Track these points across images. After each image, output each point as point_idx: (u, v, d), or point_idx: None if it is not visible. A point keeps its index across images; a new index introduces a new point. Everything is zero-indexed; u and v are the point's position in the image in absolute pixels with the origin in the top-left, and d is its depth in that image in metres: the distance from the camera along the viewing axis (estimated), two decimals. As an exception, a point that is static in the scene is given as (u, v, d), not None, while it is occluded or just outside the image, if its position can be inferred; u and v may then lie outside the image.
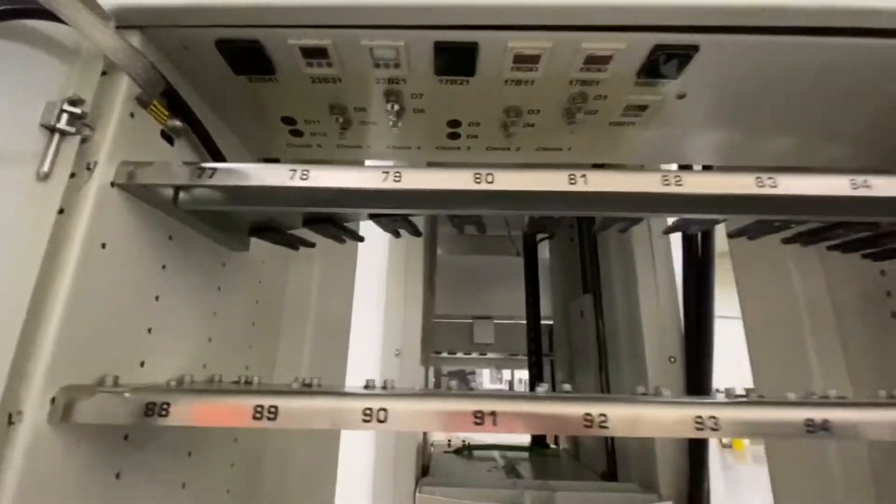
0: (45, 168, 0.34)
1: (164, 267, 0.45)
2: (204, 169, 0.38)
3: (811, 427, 0.35)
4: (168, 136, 0.45)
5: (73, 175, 0.35)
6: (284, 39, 0.42)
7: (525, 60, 0.43)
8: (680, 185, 0.38)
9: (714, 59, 0.43)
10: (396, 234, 0.55)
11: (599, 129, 0.55)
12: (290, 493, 0.69)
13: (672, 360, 0.94)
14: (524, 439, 1.73)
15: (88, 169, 0.36)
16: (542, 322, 1.72)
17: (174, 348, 0.46)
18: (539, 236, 1.77)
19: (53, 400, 0.32)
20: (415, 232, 0.53)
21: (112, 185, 0.38)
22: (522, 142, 0.59)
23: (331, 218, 0.50)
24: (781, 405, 0.36)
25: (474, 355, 2.18)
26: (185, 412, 0.34)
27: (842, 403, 0.36)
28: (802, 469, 0.73)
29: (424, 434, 1.16)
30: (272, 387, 0.39)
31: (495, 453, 1.51)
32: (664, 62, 0.43)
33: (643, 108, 0.50)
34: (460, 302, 2.19)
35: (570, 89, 0.48)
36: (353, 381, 0.99)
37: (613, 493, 0.88)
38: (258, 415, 0.32)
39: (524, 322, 1.61)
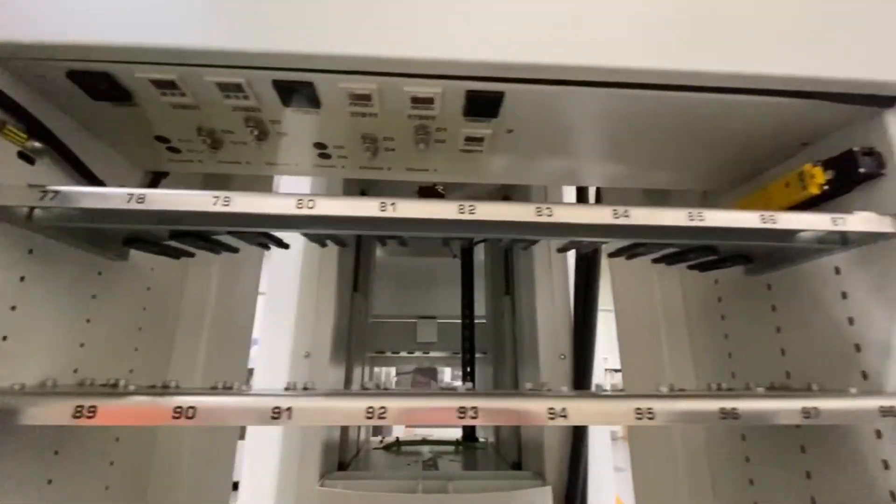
0: None
1: (22, 279, 0.48)
2: (46, 192, 0.42)
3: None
4: (28, 157, 0.48)
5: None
6: (132, 73, 0.46)
7: (359, 97, 0.49)
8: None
9: (522, 103, 0.50)
10: (265, 247, 0.60)
11: (453, 154, 0.61)
12: (182, 490, 0.72)
13: (562, 356, 1.03)
14: (458, 433, 1.80)
15: (-72, 190, 0.40)
16: (478, 321, 1.80)
17: (34, 355, 0.49)
18: (475, 239, 1.84)
19: None
20: (281, 245, 0.58)
21: (-43, 205, 0.41)
22: (392, 163, 0.65)
23: (195, 233, 0.54)
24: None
25: (418, 354, 2.23)
26: (36, 413, 0.38)
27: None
28: (655, 453, 0.82)
29: (346, 430, 1.20)
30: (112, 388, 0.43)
31: (425, 448, 1.58)
32: (481, 104, 0.50)
33: (480, 139, 0.57)
34: (404, 302, 2.24)
35: (411, 122, 0.54)
36: (262, 383, 1.03)
37: (502, 480, 0.96)
38: (78, 413, 0.37)
39: (465, 322, 1.68)
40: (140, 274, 0.68)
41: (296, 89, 0.48)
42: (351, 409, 0.39)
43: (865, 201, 0.52)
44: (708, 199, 0.79)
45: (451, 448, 1.56)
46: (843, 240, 0.52)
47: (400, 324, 2.21)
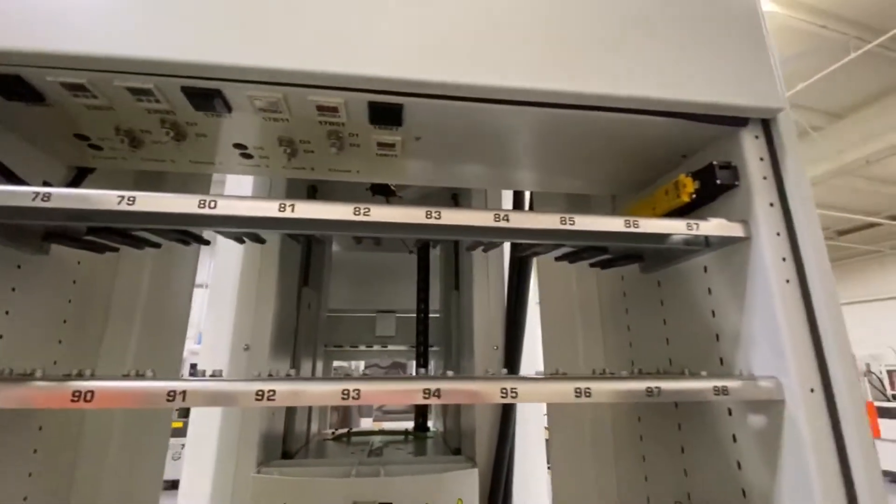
0: None
1: (-70, 272, 0.50)
2: (-50, 189, 0.44)
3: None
4: (-64, 153, 0.50)
5: None
6: (43, 76, 0.48)
7: (268, 106, 0.53)
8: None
9: (423, 114, 0.55)
10: (185, 244, 0.63)
11: (370, 157, 0.66)
12: (111, 476, 0.74)
13: (496, 347, 1.10)
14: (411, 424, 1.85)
15: None
16: (433, 315, 1.85)
17: (-56, 345, 0.51)
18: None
19: None
20: (201, 241, 0.61)
21: None
22: (313, 164, 0.68)
23: (112, 229, 0.57)
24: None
25: (377, 347, 2.27)
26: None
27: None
28: (569, 431, 0.89)
29: (291, 421, 1.23)
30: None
31: (375, 438, 1.62)
32: (383, 114, 0.55)
33: (391, 145, 0.62)
34: (363, 297, 2.26)
35: (323, 127, 0.58)
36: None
37: (436, 464, 1.01)
38: (-24, 398, 0.39)
39: (422, 316, 1.72)
40: (64, 267, 0.69)
41: (205, 95, 0.51)
42: (243, 392, 0.43)
43: (728, 209, 0.60)
44: (616, 202, 0.86)
45: (400, 437, 1.61)
46: (706, 242, 0.60)
47: (359, 318, 2.24)
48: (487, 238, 0.57)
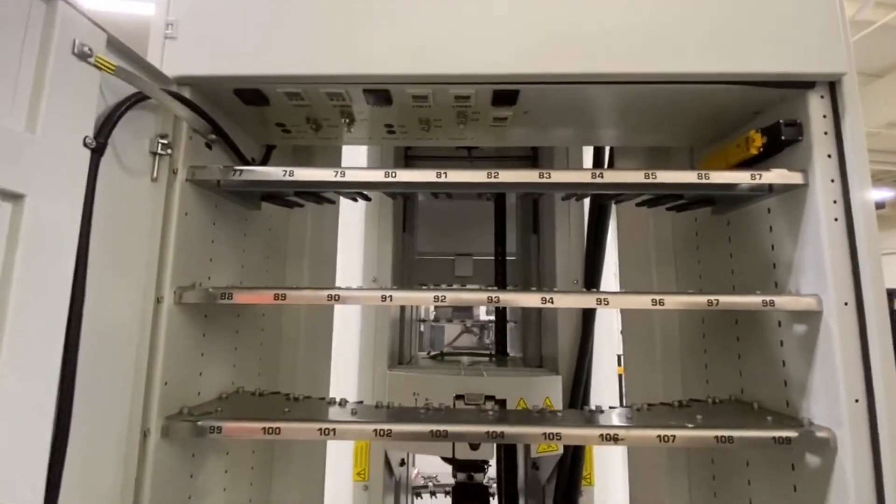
0: (154, 175, 0.65)
1: (214, 223, 0.77)
2: (234, 170, 0.69)
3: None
4: (209, 145, 0.75)
5: (168, 177, 0.67)
6: (274, 89, 0.71)
7: (419, 97, 0.72)
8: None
9: (533, 96, 0.71)
10: (354, 199, 0.87)
11: (484, 128, 0.84)
12: (299, 366, 1.06)
13: (575, 282, 1.28)
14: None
15: (174, 173, 0.68)
16: (509, 258, 2.06)
17: (223, 271, 0.80)
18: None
19: (175, 291, 0.66)
20: (365, 198, 0.85)
21: (186, 180, 0.69)
22: (439, 135, 0.88)
23: (311, 192, 0.81)
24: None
25: (455, 287, 2.54)
26: (243, 297, 0.68)
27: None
28: (642, 336, 1.07)
29: (402, 342, 1.53)
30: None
31: (464, 358, 1.92)
32: (503, 97, 0.72)
33: (504, 118, 0.79)
34: (444, 241, 2.51)
35: (454, 110, 0.76)
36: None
37: (525, 374, 1.25)
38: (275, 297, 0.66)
39: (497, 258, 1.93)
40: (265, 219, 0.97)
41: (377, 93, 0.71)
42: (422, 298, 0.66)
43: (791, 159, 0.71)
44: (694, 153, 0.97)
45: (486, 359, 1.89)
46: (770, 189, 0.72)
47: (440, 260, 2.50)
48: (583, 191, 0.74)
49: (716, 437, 0.61)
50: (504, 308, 2.05)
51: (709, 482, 0.92)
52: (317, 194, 0.83)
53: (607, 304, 0.64)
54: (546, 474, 1.28)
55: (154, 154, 0.65)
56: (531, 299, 0.65)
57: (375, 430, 0.62)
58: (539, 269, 1.59)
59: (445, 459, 1.35)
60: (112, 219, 0.58)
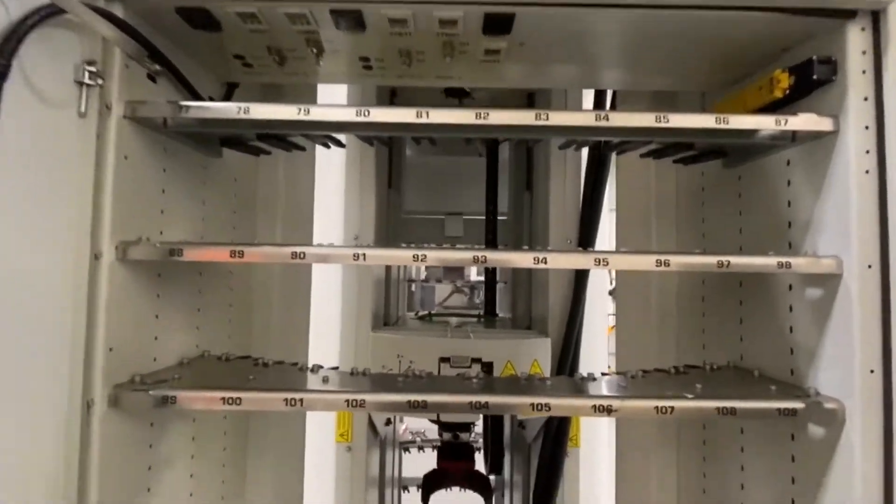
0: (82, 109, 0.55)
1: (164, 170, 0.68)
2: (181, 106, 0.59)
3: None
4: (152, 77, 0.64)
5: (100, 113, 0.57)
6: (224, 8, 0.59)
7: (398, 22, 0.61)
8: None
9: (530, 22, 0.61)
10: (325, 145, 0.77)
11: (474, 64, 0.73)
12: (273, 328, 1.00)
13: (569, 241, 1.21)
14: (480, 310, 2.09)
15: (107, 108, 0.57)
16: (501, 218, 1.98)
17: (178, 224, 0.71)
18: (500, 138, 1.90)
19: (117, 246, 0.58)
20: (338, 144, 0.75)
21: (124, 117, 0.59)
22: (423, 72, 0.77)
23: (275, 135, 0.71)
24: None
25: (446, 246, 2.46)
26: (196, 253, 0.60)
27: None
28: (637, 298, 1.02)
29: (388, 303, 1.47)
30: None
31: (452, 319, 1.88)
32: (496, 23, 0.61)
33: (497, 51, 0.68)
34: (433, 199, 2.41)
35: (439, 39, 0.66)
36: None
37: (514, 335, 1.21)
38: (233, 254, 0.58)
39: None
40: (228, 168, 0.87)
41: (347, 15, 0.60)
42: (399, 256, 0.58)
43: (819, 103, 0.63)
44: (705, 99, 0.88)
45: (473, 319, 1.86)
46: (793, 137, 0.64)
47: (429, 219, 2.42)
48: (585, 137, 0.66)
49: (717, 408, 0.57)
50: (494, 268, 2.00)
51: (699, 447, 0.90)
52: (282, 138, 0.73)
53: (607, 264, 0.58)
54: (532, 433, 1.26)
55: (81, 84, 0.55)
56: (523, 259, 0.58)
57: (348, 401, 0.56)
58: (531, 228, 1.52)
59: (431, 420, 1.33)
60: (26, 159, 0.49)
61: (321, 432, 1.19)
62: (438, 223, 2.47)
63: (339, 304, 1.20)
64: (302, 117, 0.58)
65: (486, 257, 0.58)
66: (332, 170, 1.24)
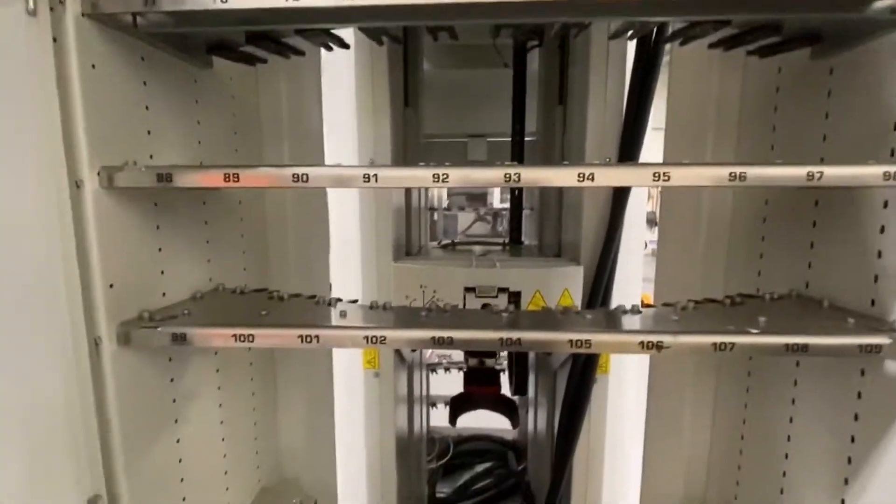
0: (31, 5, 0.45)
1: (144, 83, 0.59)
2: (146, -2, 0.48)
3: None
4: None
5: (52, 9, 0.47)
6: None
7: None
8: None
9: None
10: (327, 47, 0.66)
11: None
12: (291, 259, 0.95)
13: (608, 160, 1.09)
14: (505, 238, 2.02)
15: (61, 3, 0.48)
16: (529, 139, 1.82)
17: (168, 149, 0.64)
18: (529, 44, 1.70)
19: (99, 172, 0.51)
20: (342, 45, 0.63)
21: (83, 14, 0.49)
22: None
23: (267, 35, 0.60)
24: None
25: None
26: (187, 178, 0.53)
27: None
28: (685, 221, 0.91)
29: (409, 232, 1.41)
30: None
31: (476, 248, 1.82)
32: None
33: None
34: (454, 121, 2.25)
35: None
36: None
37: (543, 264, 1.14)
38: (226, 178, 0.51)
39: (515, 140, 1.71)
40: (223, 83, 0.77)
41: None
42: (417, 176, 0.50)
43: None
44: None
45: (499, 248, 1.79)
46: (923, 7, 0.49)
47: (451, 143, 2.27)
48: (643, 17, 0.52)
49: (787, 344, 0.49)
50: (520, 193, 1.89)
51: (741, 379, 0.84)
52: (276, 39, 0.62)
53: (668, 179, 0.48)
54: (560, 359, 1.24)
55: (22, -29, 0.45)
56: (565, 176, 0.48)
57: (367, 338, 0.51)
58: (563, 147, 1.38)
59: (457, 348, 1.32)
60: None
61: (349, 359, 1.20)
62: (460, 147, 2.33)
63: (358, 235, 1.14)
64: (291, 4, 0.47)
65: (519, 175, 0.49)
66: (341, 87, 1.12)
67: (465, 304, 1.03)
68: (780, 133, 0.75)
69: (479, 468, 2.12)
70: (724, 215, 0.87)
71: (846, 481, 0.60)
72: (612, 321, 0.58)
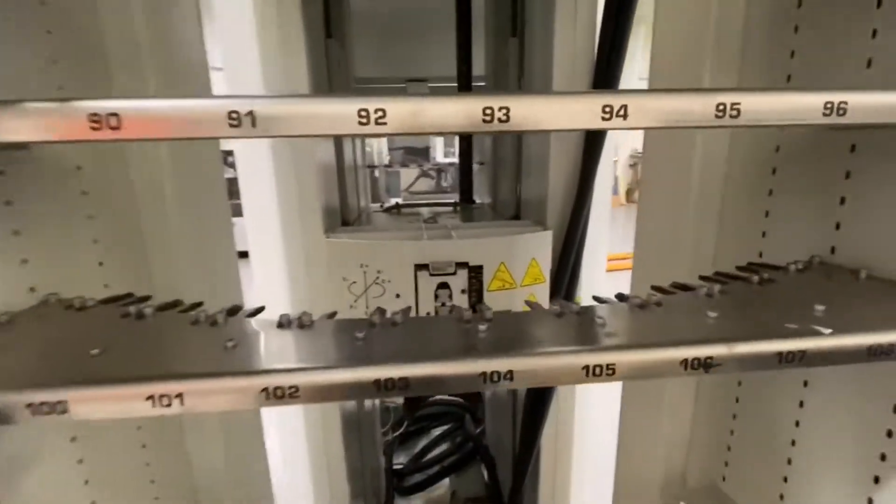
0: None
1: None
2: None
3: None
4: None
5: None
6: None
7: None
8: None
9: None
10: None
11: None
12: (173, 245, 0.71)
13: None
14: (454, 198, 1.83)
15: None
16: (477, 84, 1.60)
17: None
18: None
19: None
20: None
21: None
22: None
23: None
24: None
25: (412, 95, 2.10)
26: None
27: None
28: (671, 170, 0.77)
29: (344, 194, 1.17)
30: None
31: (423, 209, 1.62)
32: None
33: None
34: (390, 63, 1.97)
35: None
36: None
37: (504, 228, 0.97)
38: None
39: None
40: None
41: None
42: (339, 114, 0.29)
43: None
44: None
45: (449, 209, 1.60)
46: None
47: (386, 89, 1.98)
48: None
49: (870, 347, 0.36)
50: (470, 144, 1.69)
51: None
52: None
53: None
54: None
55: None
56: (582, 111, 0.29)
57: (266, 391, 0.31)
58: (521, 88, 1.18)
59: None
60: None
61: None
62: (398, 93, 2.04)
63: (275, 201, 0.90)
64: None
65: (507, 111, 0.29)
66: (242, 7, 0.84)
67: (417, 287, 0.85)
68: (801, 60, 0.60)
69: (436, 432, 2.04)
70: (718, 165, 0.73)
71: (876, 480, 0.51)
72: (624, 323, 0.42)
